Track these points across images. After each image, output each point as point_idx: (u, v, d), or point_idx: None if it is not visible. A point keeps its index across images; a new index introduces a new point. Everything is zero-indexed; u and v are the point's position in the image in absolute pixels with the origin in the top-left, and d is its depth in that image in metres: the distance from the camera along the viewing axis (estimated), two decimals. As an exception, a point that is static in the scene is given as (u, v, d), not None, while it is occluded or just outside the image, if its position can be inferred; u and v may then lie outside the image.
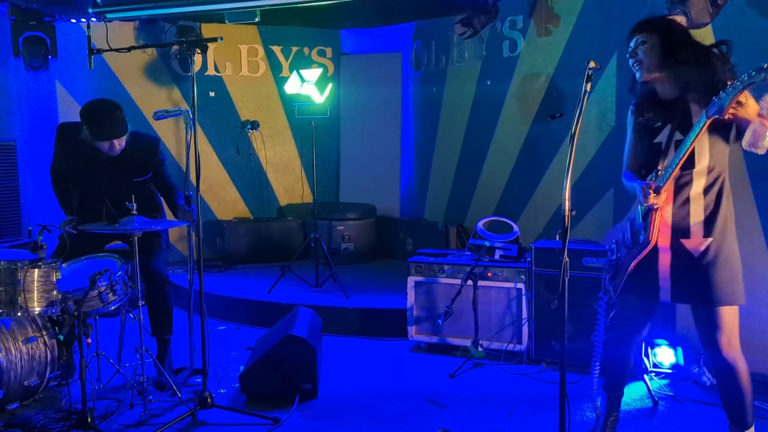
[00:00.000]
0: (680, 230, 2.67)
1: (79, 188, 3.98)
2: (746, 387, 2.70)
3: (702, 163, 2.62)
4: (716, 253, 2.63)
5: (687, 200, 2.65)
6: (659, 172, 2.65)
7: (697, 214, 2.64)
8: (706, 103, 2.48)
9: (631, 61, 2.75)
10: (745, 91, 2.40)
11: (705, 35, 3.92)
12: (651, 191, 2.59)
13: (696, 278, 2.65)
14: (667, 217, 2.68)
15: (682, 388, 3.81)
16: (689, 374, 3.91)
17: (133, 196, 3.49)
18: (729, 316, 2.66)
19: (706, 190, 2.64)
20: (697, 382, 3.84)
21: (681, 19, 2.75)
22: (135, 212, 3.45)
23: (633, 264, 2.75)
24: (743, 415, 2.72)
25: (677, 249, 2.68)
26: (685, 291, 2.69)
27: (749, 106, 2.48)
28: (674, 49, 2.65)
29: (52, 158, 4.05)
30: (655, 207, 2.62)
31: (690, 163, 2.61)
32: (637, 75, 2.73)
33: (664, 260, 2.70)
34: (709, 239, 2.62)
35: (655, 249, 2.70)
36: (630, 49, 2.75)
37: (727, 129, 2.61)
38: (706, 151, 2.61)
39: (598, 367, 3.09)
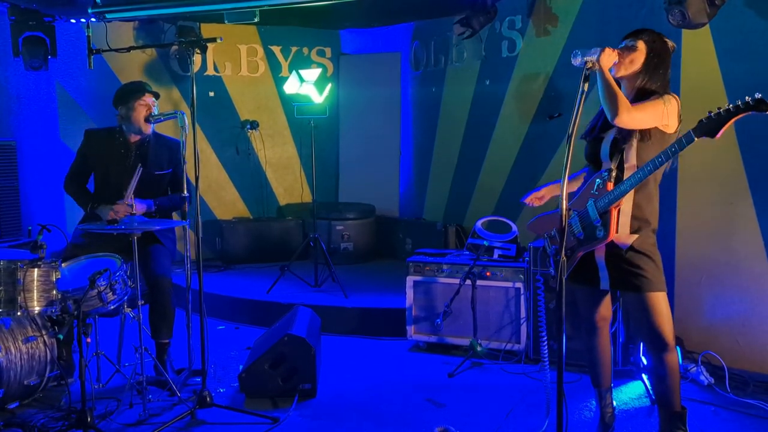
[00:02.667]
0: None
1: (105, 185, 4.06)
2: (674, 374, 2.85)
3: (630, 162, 2.79)
4: (642, 247, 2.80)
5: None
6: (613, 172, 2.79)
7: (626, 213, 2.80)
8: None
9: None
10: None
11: (702, 35, 3.93)
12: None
13: (626, 268, 2.81)
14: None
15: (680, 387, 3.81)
16: (687, 373, 3.91)
17: (153, 191, 3.75)
18: (662, 301, 2.84)
19: (636, 191, 2.79)
20: (695, 381, 3.85)
21: (672, 45, 2.88)
22: (135, 212, 3.47)
23: (580, 254, 2.89)
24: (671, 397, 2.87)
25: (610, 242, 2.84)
26: (619, 279, 2.85)
27: None
28: (655, 64, 2.82)
29: (70, 167, 4.17)
30: (617, 205, 2.75)
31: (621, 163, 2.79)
32: (612, 69, 2.82)
33: (599, 251, 2.87)
34: (635, 236, 2.79)
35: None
36: (619, 47, 2.84)
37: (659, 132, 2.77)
38: (634, 152, 2.78)
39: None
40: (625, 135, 2.78)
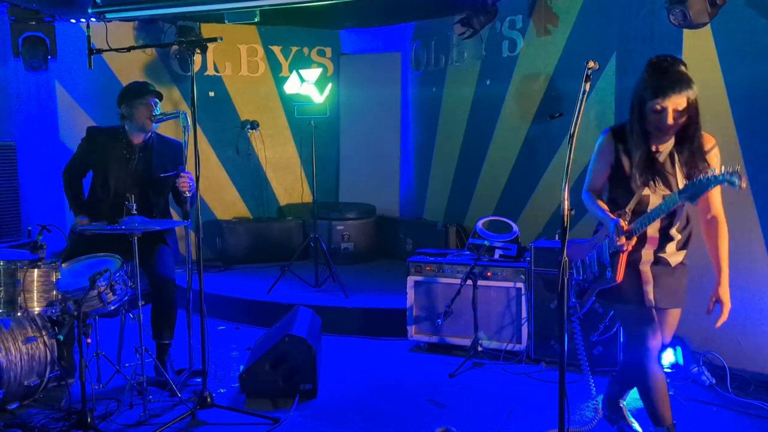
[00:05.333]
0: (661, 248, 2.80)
1: (104, 186, 4.03)
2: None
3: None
4: (684, 262, 2.83)
5: (668, 236, 2.78)
6: (627, 215, 2.69)
7: (675, 243, 2.79)
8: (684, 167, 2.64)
9: (661, 123, 2.60)
10: None
11: (704, 35, 3.93)
12: (623, 235, 2.62)
13: (671, 284, 2.78)
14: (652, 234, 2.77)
15: (681, 387, 3.82)
16: (689, 374, 3.91)
17: (157, 193, 3.78)
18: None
19: (682, 228, 2.79)
20: (697, 381, 3.85)
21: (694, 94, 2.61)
22: (135, 212, 3.46)
23: (596, 292, 2.86)
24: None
25: (657, 260, 2.80)
26: (664, 295, 2.79)
27: None
28: (694, 123, 2.63)
29: (69, 160, 4.16)
30: (625, 249, 2.64)
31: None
32: (655, 132, 2.63)
33: (645, 266, 2.79)
34: (684, 252, 2.81)
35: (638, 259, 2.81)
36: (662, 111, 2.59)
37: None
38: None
39: (587, 366, 3.12)
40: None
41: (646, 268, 2.79)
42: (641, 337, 2.78)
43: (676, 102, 2.54)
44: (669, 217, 2.72)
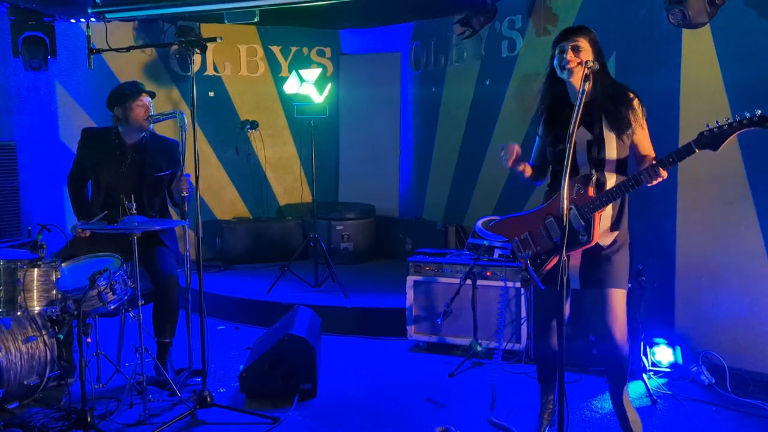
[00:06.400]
0: None
1: (97, 188, 4.03)
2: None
3: (611, 166, 2.82)
4: (620, 243, 2.88)
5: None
6: (593, 178, 2.79)
7: (607, 212, 2.82)
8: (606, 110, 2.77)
9: (563, 61, 2.81)
10: None
11: (703, 35, 3.93)
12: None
13: (600, 265, 2.85)
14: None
15: (680, 387, 3.82)
16: (688, 373, 3.92)
17: (153, 193, 3.78)
18: (621, 298, 2.87)
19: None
20: (696, 381, 3.85)
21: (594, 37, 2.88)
22: (135, 212, 3.46)
23: (555, 259, 2.87)
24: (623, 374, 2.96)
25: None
26: (591, 278, 2.88)
27: None
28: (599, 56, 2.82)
29: (72, 165, 4.13)
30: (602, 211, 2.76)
31: (600, 163, 2.80)
32: (565, 75, 2.81)
33: (575, 252, 2.86)
34: (616, 232, 2.85)
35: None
36: (564, 51, 2.82)
37: (628, 129, 2.79)
38: (614, 151, 2.80)
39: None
40: (600, 140, 2.79)
41: None
42: None
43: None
44: None
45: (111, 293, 3.40)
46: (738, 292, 3.90)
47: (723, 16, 3.76)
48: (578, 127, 2.51)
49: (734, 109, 3.84)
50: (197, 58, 6.94)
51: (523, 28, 5.64)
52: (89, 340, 3.30)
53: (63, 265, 3.45)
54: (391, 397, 3.78)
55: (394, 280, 5.55)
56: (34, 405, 3.55)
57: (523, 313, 4.28)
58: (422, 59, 7.01)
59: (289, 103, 6.97)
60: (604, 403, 3.60)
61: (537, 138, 3.10)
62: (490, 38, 5.98)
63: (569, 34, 2.83)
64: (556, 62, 2.85)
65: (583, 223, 2.75)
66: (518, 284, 4.31)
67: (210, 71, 7.15)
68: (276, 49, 7.40)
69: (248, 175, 7.40)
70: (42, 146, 6.24)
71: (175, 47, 6.21)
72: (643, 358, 3.90)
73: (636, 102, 2.80)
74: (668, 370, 4.00)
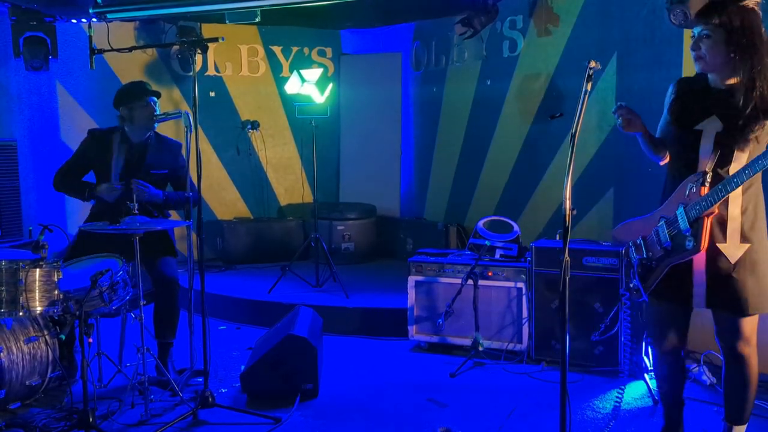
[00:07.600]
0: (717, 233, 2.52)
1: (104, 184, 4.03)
2: (753, 382, 2.65)
3: (737, 163, 2.47)
4: (752, 259, 2.49)
5: (725, 202, 2.48)
6: (708, 175, 2.45)
7: (734, 218, 2.49)
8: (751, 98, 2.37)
9: (692, 54, 2.50)
10: None
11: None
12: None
13: (731, 285, 2.51)
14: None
15: (682, 387, 3.81)
16: (689, 374, 3.91)
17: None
18: (753, 322, 2.59)
19: (744, 191, 2.50)
20: (698, 381, 3.84)
21: (754, 2, 2.38)
22: (136, 212, 3.47)
23: (667, 269, 2.60)
24: (742, 409, 2.68)
25: (713, 253, 2.51)
26: (719, 298, 2.56)
27: None
28: (739, 46, 2.39)
29: (63, 163, 4.18)
30: (710, 213, 2.45)
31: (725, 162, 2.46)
32: (696, 68, 2.51)
33: (699, 265, 2.54)
34: (747, 245, 2.49)
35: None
36: (693, 39, 2.50)
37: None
38: (746, 154, 2.46)
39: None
40: (736, 129, 2.38)
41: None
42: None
43: None
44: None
45: (113, 293, 3.40)
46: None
47: (724, 16, 3.75)
48: (580, 125, 2.42)
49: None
50: (198, 59, 6.94)
51: (525, 29, 5.64)
52: (91, 340, 3.30)
53: (64, 265, 3.45)
54: (393, 398, 3.78)
55: (395, 280, 5.55)
56: (36, 405, 3.55)
57: (525, 314, 4.28)
58: (423, 59, 7.01)
59: (290, 104, 6.97)
60: (605, 403, 3.60)
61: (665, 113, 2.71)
62: (491, 38, 5.98)
63: (701, 16, 2.43)
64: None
65: (691, 228, 2.46)
66: (520, 284, 4.31)
67: (211, 71, 7.15)
68: (277, 49, 7.40)
69: (249, 175, 7.40)
70: (43, 146, 6.24)
71: (176, 47, 6.21)
72: (645, 358, 3.90)
73: None
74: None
